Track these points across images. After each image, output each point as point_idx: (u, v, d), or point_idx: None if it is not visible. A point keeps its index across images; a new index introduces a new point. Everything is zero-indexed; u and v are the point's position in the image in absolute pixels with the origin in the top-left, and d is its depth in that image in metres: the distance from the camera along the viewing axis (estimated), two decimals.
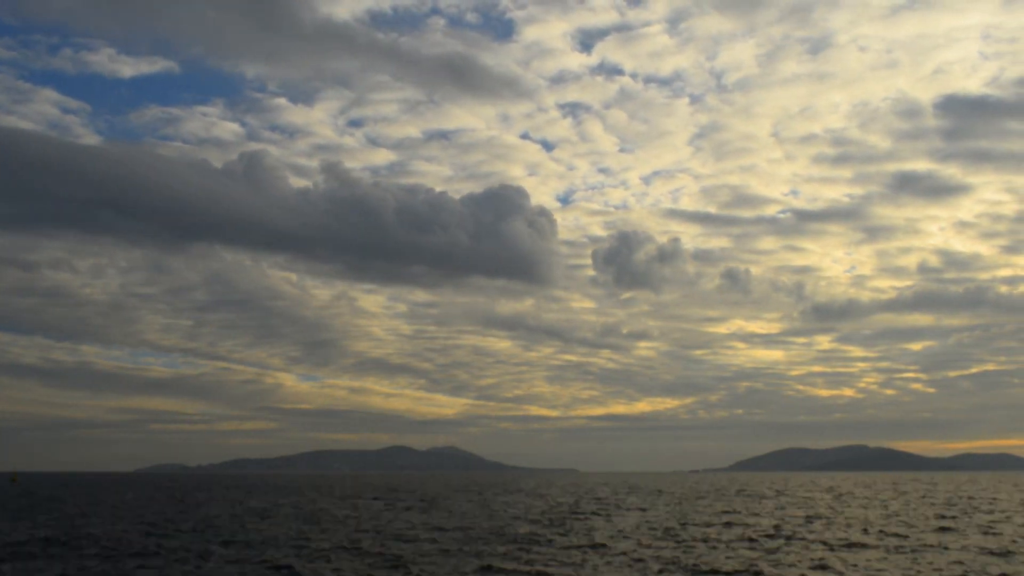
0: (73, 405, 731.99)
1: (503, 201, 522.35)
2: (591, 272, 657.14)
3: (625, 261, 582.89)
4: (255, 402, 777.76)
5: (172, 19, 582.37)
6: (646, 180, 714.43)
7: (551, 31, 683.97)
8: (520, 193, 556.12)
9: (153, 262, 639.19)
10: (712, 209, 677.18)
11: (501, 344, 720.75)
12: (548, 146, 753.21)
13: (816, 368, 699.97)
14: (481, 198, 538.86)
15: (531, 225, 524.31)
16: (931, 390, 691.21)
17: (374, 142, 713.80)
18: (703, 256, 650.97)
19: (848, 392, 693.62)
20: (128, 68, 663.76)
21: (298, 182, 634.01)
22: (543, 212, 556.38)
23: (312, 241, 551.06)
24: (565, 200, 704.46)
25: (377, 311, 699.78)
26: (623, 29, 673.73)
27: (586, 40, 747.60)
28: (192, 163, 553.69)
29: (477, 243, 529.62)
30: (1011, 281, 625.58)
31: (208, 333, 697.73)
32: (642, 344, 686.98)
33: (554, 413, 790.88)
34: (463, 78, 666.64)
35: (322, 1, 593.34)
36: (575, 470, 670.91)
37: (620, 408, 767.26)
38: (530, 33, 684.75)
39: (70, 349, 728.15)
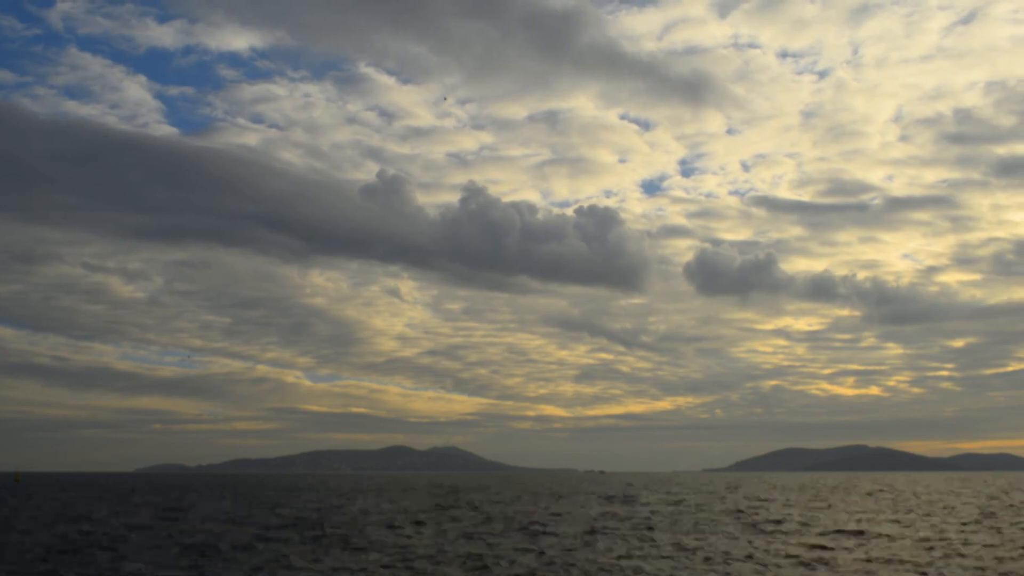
0: (74, 405, 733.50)
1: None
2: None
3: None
4: (255, 403, 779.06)
5: None
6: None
7: None
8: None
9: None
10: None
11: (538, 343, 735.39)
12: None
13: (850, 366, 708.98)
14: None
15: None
16: (918, 389, 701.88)
17: None
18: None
19: (875, 391, 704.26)
20: None
21: None
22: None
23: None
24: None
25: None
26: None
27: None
28: None
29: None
30: None
31: (209, 333, 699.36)
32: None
33: (532, 413, 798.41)
34: None
35: None
36: (575, 470, 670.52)
37: (615, 409, 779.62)
38: None
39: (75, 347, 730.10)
